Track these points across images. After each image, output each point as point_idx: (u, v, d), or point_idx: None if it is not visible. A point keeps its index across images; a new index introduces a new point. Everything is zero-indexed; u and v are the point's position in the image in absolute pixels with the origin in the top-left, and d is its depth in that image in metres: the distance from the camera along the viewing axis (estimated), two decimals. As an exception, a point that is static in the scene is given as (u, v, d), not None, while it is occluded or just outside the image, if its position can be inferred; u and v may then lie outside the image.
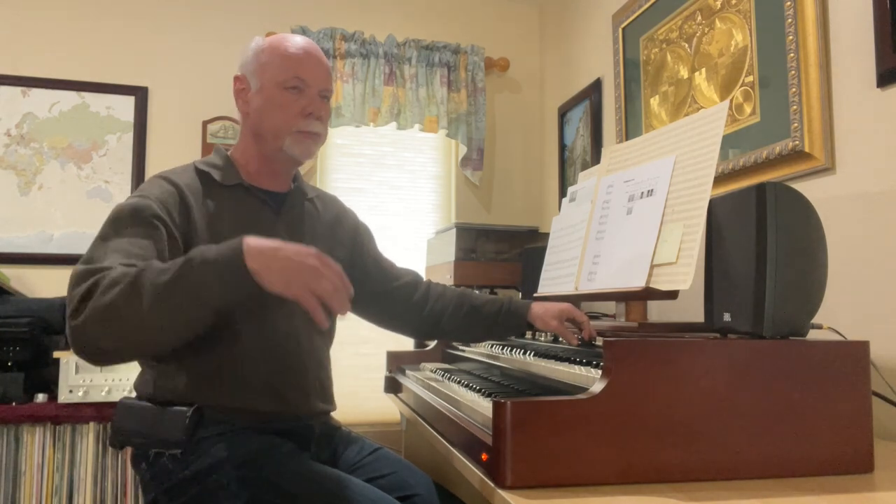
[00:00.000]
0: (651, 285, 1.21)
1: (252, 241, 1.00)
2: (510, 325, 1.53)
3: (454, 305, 1.54)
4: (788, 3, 1.60)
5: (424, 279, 1.61)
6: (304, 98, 1.31)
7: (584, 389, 1.03)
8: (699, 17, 1.96)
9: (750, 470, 0.99)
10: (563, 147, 2.92)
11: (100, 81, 2.72)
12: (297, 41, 1.34)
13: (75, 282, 1.03)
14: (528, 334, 1.62)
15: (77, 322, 1.00)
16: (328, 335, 1.44)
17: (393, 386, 2.02)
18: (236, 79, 1.36)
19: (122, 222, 1.15)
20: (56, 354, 2.22)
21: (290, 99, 1.30)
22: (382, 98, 2.86)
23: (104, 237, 1.13)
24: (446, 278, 2.39)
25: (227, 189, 1.31)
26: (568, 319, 1.44)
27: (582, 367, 1.23)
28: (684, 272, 1.14)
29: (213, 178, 1.31)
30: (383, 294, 1.54)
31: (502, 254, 2.44)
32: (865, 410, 1.03)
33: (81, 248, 2.61)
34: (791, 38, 1.59)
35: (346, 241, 1.50)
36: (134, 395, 1.30)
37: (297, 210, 1.40)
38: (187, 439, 1.20)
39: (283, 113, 1.30)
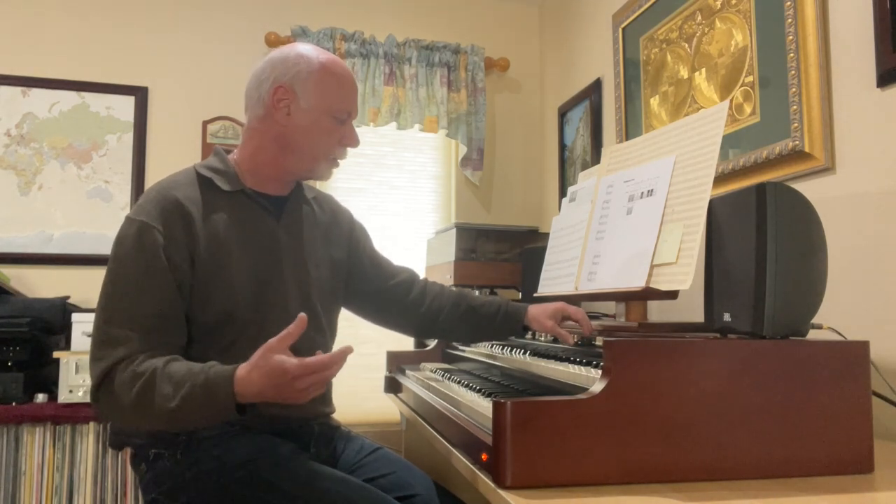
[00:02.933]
0: (651, 285, 1.21)
1: (242, 389, 1.05)
2: (507, 328, 1.53)
3: (451, 305, 1.54)
4: (788, 3, 1.60)
5: (422, 277, 1.61)
6: (345, 127, 1.35)
7: (584, 389, 1.03)
8: (699, 17, 1.96)
9: (750, 470, 0.99)
10: (563, 147, 2.92)
11: (100, 81, 2.72)
12: (346, 68, 1.36)
13: (92, 359, 1.13)
14: (528, 334, 1.62)
15: (97, 407, 1.14)
16: (329, 337, 1.43)
17: (393, 386, 2.02)
18: (279, 88, 1.28)
19: (128, 270, 1.17)
20: (56, 354, 2.22)
21: (335, 128, 1.33)
22: (382, 98, 2.86)
23: (114, 296, 1.17)
24: (446, 278, 2.39)
25: (229, 195, 1.30)
26: (564, 318, 1.44)
27: (582, 367, 1.23)
28: (684, 272, 1.14)
29: (215, 184, 1.29)
30: (379, 292, 1.54)
31: (502, 254, 2.44)
32: (865, 410, 1.03)
33: (81, 248, 2.63)
34: (791, 38, 1.59)
35: (343, 241, 1.50)
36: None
37: (295, 214, 1.39)
38: (187, 440, 1.20)
39: (327, 140, 1.33)
